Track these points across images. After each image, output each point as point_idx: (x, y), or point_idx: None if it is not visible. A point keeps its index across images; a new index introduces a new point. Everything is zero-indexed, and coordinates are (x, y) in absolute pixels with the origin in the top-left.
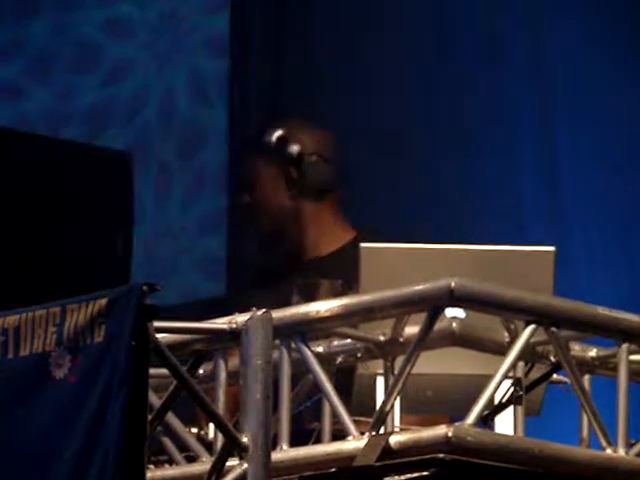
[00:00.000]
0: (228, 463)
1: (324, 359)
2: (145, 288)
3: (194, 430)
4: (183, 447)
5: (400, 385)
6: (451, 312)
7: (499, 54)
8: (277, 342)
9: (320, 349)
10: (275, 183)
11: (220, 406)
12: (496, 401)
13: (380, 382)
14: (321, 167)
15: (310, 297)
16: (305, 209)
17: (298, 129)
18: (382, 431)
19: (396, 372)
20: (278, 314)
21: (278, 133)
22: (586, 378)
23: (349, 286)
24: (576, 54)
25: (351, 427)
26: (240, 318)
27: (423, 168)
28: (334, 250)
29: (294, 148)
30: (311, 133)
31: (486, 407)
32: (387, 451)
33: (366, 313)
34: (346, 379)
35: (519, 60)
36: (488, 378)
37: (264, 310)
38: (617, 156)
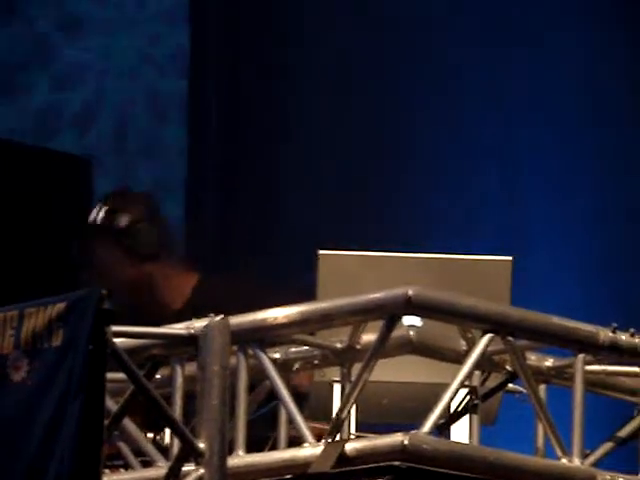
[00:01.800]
0: (184, 468)
1: (281, 366)
2: (104, 292)
3: (150, 435)
4: (139, 452)
5: (357, 392)
6: (409, 320)
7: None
8: (235, 348)
9: (277, 356)
10: (114, 255)
11: (177, 411)
12: (452, 410)
13: (337, 389)
14: (150, 230)
15: None
16: (149, 272)
17: (121, 201)
18: (338, 438)
19: (353, 379)
20: (236, 320)
21: (105, 208)
22: (542, 388)
23: None
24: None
25: (307, 434)
26: (198, 324)
27: (380, 175)
28: (187, 299)
29: (123, 219)
30: (133, 202)
31: (442, 415)
32: (343, 458)
33: (323, 320)
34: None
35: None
36: (444, 386)
37: (222, 316)
38: (578, 165)
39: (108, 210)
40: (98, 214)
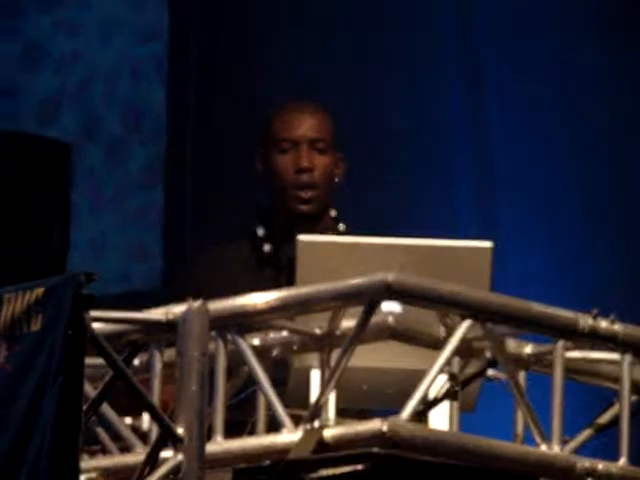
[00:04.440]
0: (162, 454)
1: (260, 351)
2: (82, 278)
3: (128, 420)
4: (117, 437)
5: (335, 378)
6: (388, 306)
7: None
8: (213, 334)
9: (256, 341)
10: None
11: (155, 397)
12: (431, 396)
13: (315, 375)
14: None
15: None
16: None
17: None
18: (317, 424)
19: (332, 365)
20: (215, 306)
21: None
22: (521, 374)
23: None
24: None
25: (286, 420)
26: (176, 309)
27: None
28: None
29: None
30: None
31: (421, 402)
32: (322, 445)
33: (303, 306)
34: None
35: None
36: (423, 373)
37: (200, 301)
38: (550, 150)
39: None
40: None
